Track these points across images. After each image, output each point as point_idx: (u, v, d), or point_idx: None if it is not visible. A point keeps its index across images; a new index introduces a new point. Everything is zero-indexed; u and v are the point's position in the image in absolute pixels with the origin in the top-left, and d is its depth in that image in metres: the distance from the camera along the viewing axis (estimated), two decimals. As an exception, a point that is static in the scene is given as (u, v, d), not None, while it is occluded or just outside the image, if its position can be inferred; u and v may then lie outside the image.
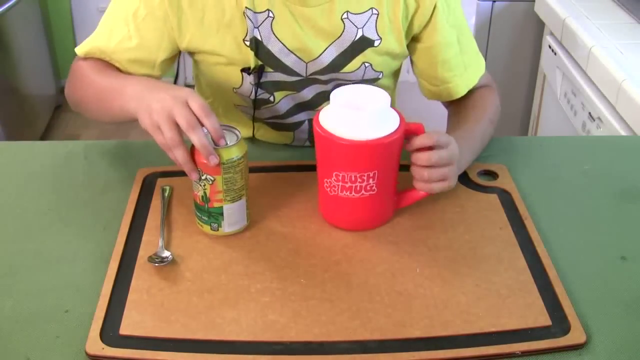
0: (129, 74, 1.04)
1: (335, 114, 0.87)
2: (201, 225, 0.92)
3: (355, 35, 1.03)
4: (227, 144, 0.87)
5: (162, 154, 1.09)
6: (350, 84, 1.01)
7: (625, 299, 0.83)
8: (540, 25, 2.07)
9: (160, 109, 0.86)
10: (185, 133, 0.86)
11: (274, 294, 0.82)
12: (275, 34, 1.01)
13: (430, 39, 1.07)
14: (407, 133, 0.89)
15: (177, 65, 3.19)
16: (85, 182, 1.03)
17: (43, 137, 2.84)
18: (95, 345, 0.75)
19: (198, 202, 0.90)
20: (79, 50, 1.06)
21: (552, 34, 1.91)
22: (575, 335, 0.77)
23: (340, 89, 0.90)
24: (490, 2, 2.07)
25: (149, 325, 0.78)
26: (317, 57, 1.03)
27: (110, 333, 0.77)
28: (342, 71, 1.06)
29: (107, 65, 1.04)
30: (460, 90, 1.12)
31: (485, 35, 2.12)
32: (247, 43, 1.01)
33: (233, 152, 0.87)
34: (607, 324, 0.80)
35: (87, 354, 0.74)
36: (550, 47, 1.90)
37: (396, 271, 0.86)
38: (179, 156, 0.86)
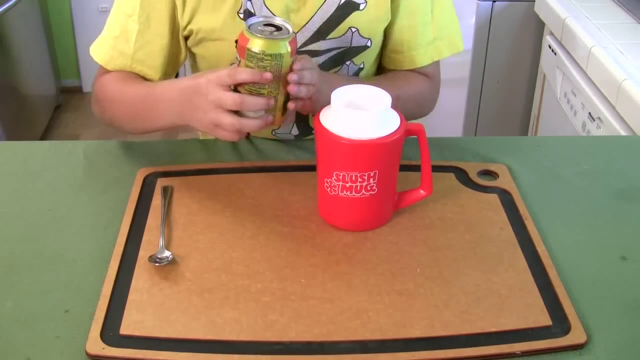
0: (151, 77, 1.08)
1: (336, 114, 0.88)
2: None
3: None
4: (272, 34, 0.86)
5: (162, 153, 1.10)
6: (331, 54, 1.03)
7: (625, 299, 0.83)
8: (540, 25, 2.07)
9: (205, 110, 0.91)
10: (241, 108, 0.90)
11: (274, 294, 0.82)
12: (267, 5, 1.03)
13: (405, 1, 1.08)
14: (408, 133, 0.90)
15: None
16: (85, 182, 1.03)
17: (43, 137, 2.84)
18: (95, 345, 0.75)
19: None
20: (97, 56, 1.08)
21: (552, 34, 1.91)
22: (576, 335, 0.77)
23: (341, 89, 0.90)
24: (490, 2, 2.07)
25: (149, 325, 0.78)
26: (305, 25, 1.05)
27: (110, 333, 0.77)
28: (328, 37, 1.07)
29: (127, 76, 1.07)
30: (423, 60, 1.12)
31: (485, 35, 2.11)
32: (241, 15, 1.03)
33: (261, 45, 0.86)
34: (607, 324, 0.80)
35: (87, 354, 0.74)
36: (550, 47, 1.90)
37: (396, 271, 0.86)
38: (254, 127, 0.91)
